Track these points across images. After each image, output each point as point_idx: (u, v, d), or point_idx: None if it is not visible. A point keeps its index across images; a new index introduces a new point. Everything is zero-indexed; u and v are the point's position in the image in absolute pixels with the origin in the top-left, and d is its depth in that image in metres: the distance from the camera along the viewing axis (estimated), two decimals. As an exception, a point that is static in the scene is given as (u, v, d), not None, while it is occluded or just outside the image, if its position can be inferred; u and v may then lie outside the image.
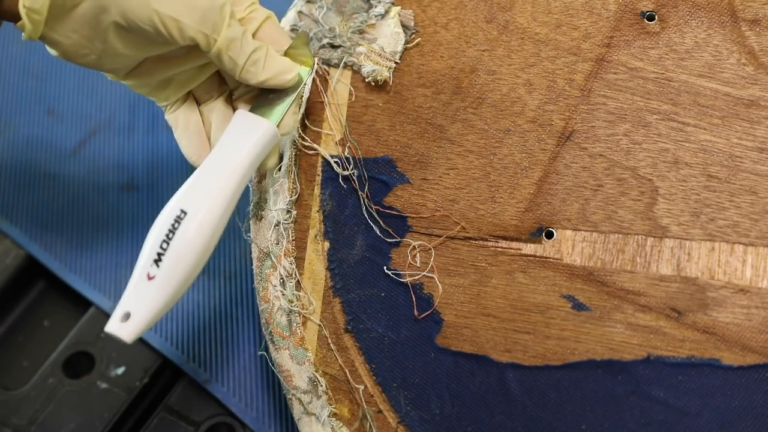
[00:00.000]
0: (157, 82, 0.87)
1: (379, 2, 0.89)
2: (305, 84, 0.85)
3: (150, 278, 0.76)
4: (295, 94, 0.85)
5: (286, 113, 0.84)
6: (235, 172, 0.81)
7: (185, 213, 0.78)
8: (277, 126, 0.83)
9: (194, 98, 0.89)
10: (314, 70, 0.87)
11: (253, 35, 0.84)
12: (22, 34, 0.80)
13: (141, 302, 0.76)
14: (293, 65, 0.84)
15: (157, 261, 0.76)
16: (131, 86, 0.87)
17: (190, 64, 0.86)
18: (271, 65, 0.83)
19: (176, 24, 0.79)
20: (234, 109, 0.87)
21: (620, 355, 0.79)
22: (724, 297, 0.79)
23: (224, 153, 0.82)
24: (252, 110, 0.84)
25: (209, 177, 0.81)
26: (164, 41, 0.80)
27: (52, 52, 0.83)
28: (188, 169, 1.12)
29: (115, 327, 0.76)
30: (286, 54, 0.85)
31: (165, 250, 0.77)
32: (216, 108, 0.89)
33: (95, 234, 1.09)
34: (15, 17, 0.79)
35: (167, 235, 0.77)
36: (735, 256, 0.79)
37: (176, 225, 0.78)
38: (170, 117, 0.89)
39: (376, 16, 0.89)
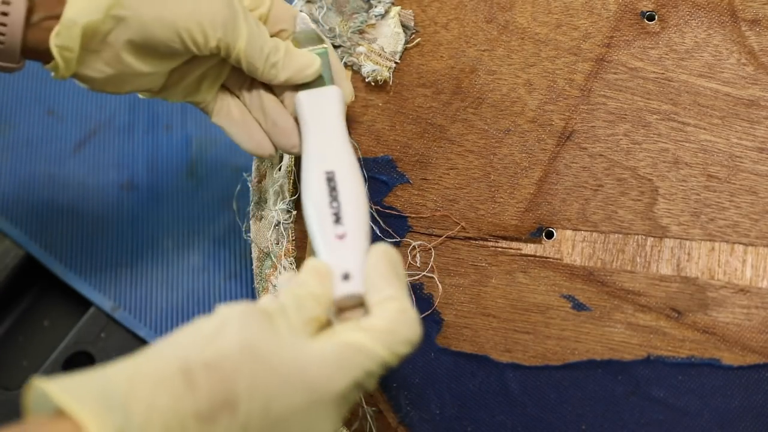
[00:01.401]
0: (189, 86, 0.85)
1: (379, 2, 0.89)
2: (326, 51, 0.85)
3: (341, 237, 0.74)
4: (327, 61, 0.84)
5: (339, 80, 0.85)
6: (341, 138, 0.81)
7: (333, 172, 0.77)
8: None
9: (230, 92, 0.87)
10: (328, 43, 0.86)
11: (265, 21, 0.84)
12: (52, 74, 0.79)
13: (348, 259, 0.73)
14: (312, 58, 0.83)
15: (338, 220, 0.74)
16: (166, 98, 0.86)
17: (213, 61, 0.85)
18: (289, 64, 0.82)
19: (201, 36, 0.78)
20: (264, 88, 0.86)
21: (620, 355, 0.80)
22: (724, 297, 0.79)
23: (319, 129, 0.81)
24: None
25: (326, 145, 0.80)
26: (189, 52, 0.80)
27: (84, 86, 0.81)
28: (188, 169, 1.12)
29: (346, 288, 0.72)
30: (294, 42, 0.84)
31: (338, 207, 0.75)
32: (254, 94, 0.86)
33: (95, 234, 1.09)
34: (41, 56, 0.78)
35: (331, 194, 0.76)
36: (735, 256, 0.79)
37: (332, 183, 0.76)
38: (217, 119, 0.87)
39: (376, 16, 0.89)
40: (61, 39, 0.76)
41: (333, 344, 0.65)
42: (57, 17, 0.76)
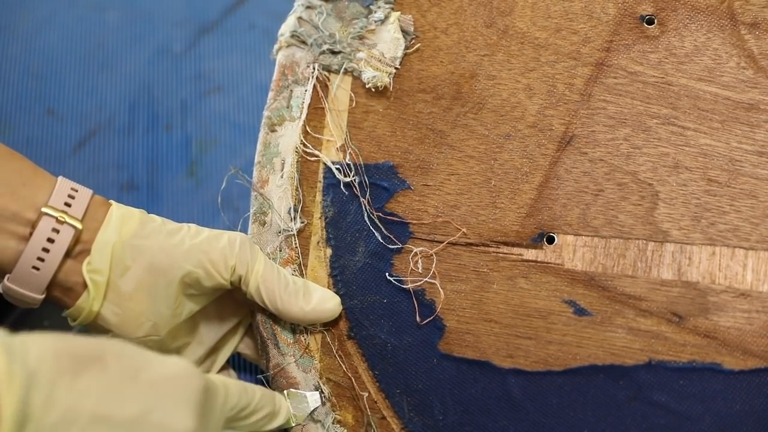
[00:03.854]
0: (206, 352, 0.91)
1: (379, 7, 0.89)
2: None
3: None
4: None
5: None
6: None
7: None
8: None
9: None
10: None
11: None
12: (72, 322, 0.83)
13: None
14: (333, 294, 0.86)
15: None
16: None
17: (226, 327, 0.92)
18: (309, 293, 0.85)
19: (221, 258, 0.82)
20: None
21: (622, 360, 0.80)
22: (725, 301, 0.79)
23: None
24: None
25: None
26: (210, 278, 0.83)
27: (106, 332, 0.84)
28: (188, 169, 1.12)
29: None
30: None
31: None
32: None
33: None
34: (65, 293, 0.81)
35: None
36: (736, 260, 0.79)
37: None
38: None
39: (375, 21, 0.89)
40: (93, 263, 0.80)
41: None
42: (90, 252, 0.80)
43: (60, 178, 0.81)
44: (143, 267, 0.81)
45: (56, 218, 0.79)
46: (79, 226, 0.79)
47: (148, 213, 0.84)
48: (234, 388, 0.76)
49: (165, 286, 0.82)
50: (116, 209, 0.82)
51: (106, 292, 0.81)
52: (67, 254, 0.79)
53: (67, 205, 0.80)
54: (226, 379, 0.76)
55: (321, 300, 0.85)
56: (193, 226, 0.84)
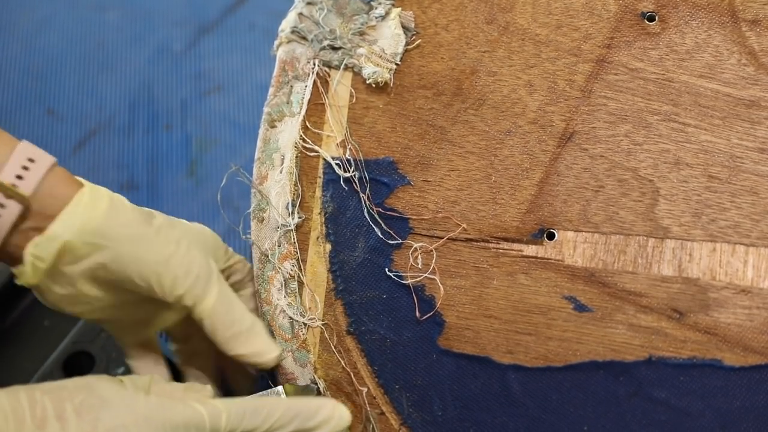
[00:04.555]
0: (133, 322, 0.88)
1: (380, 4, 0.89)
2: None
3: None
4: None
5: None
6: None
7: None
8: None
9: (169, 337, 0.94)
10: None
11: (235, 288, 0.87)
12: (15, 279, 0.79)
13: None
14: (274, 347, 0.84)
15: None
16: (101, 323, 0.88)
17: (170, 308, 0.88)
18: (250, 342, 0.83)
19: (171, 284, 0.79)
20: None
21: (622, 356, 0.80)
22: (726, 298, 0.79)
23: None
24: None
25: None
26: (152, 294, 0.80)
27: (39, 297, 0.81)
28: (188, 169, 1.12)
29: None
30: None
31: None
32: (198, 352, 0.93)
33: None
34: (12, 259, 0.78)
35: None
36: (736, 256, 0.79)
37: None
38: (135, 364, 0.90)
39: (376, 17, 0.89)
40: (39, 249, 0.76)
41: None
42: (42, 230, 0.76)
43: (22, 143, 0.78)
44: (94, 263, 0.78)
45: (3, 193, 0.75)
46: (24, 203, 0.75)
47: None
48: (234, 413, 0.74)
49: (106, 281, 0.80)
50: (84, 195, 0.78)
51: (53, 276, 0.78)
52: (18, 229, 0.76)
53: (19, 177, 0.76)
54: (226, 402, 0.74)
55: (256, 353, 0.83)
56: (164, 225, 0.81)
